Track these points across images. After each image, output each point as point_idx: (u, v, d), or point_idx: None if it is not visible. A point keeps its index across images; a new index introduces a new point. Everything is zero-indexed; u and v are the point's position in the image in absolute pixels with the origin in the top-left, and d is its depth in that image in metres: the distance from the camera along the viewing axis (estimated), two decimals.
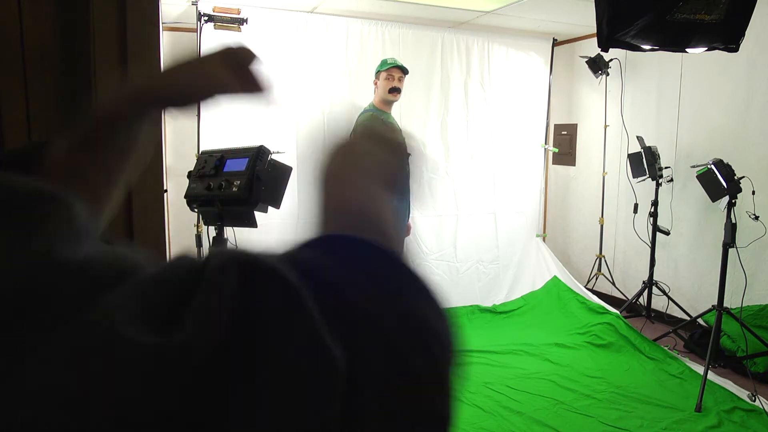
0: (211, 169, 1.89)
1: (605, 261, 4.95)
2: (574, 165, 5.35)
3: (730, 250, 3.26)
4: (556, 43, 5.03)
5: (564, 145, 5.38)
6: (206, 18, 3.78)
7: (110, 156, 0.53)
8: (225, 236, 2.00)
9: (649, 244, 4.24)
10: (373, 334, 0.25)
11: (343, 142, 0.46)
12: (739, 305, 3.34)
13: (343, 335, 0.24)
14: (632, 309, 4.37)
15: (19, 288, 0.22)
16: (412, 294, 0.28)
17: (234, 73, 0.55)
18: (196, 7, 3.78)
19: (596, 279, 4.96)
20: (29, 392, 0.20)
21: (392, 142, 0.50)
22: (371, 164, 0.45)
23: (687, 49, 2.70)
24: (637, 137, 4.20)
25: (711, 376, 3.17)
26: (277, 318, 0.23)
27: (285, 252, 0.29)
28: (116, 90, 0.55)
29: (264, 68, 0.56)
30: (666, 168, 4.22)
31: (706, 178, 3.38)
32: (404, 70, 3.50)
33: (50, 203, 0.26)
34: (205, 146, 3.65)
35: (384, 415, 0.24)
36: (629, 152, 4.35)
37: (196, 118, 3.85)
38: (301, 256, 0.29)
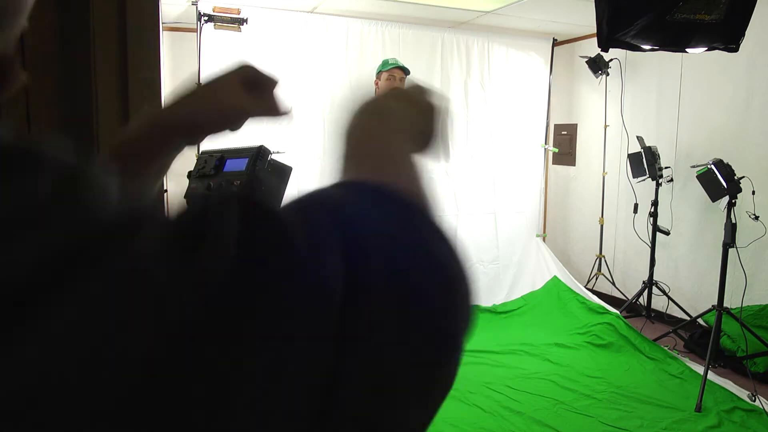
0: (211, 169, 1.89)
1: (605, 261, 4.95)
2: (574, 165, 5.35)
3: (730, 250, 3.26)
4: (556, 43, 5.02)
5: (564, 145, 5.38)
6: (206, 18, 3.78)
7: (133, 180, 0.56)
8: None
9: (649, 244, 4.24)
10: (380, 252, 0.28)
11: (368, 100, 0.46)
12: (739, 305, 3.34)
13: (345, 251, 0.27)
14: (632, 309, 4.37)
15: (72, 240, 0.24)
16: (422, 227, 0.31)
17: (253, 96, 0.55)
18: (196, 7, 3.78)
19: (596, 279, 4.96)
20: (63, 335, 0.22)
21: (422, 102, 0.50)
22: (397, 121, 0.45)
23: (687, 49, 2.70)
24: (637, 137, 4.20)
25: (711, 376, 3.16)
26: (269, 243, 0.26)
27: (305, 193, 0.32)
28: (141, 122, 0.57)
29: (279, 87, 0.57)
30: (666, 168, 4.22)
31: (706, 178, 3.38)
32: (406, 71, 3.51)
33: (87, 170, 0.28)
34: (204, 146, 3.65)
35: (390, 328, 0.26)
36: (629, 152, 4.35)
37: None
38: (314, 192, 0.32)
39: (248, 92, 0.56)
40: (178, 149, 0.59)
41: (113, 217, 0.25)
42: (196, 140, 0.59)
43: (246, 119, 0.57)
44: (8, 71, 0.39)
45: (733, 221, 3.25)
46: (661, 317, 4.25)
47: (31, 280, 0.22)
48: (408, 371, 0.27)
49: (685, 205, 4.23)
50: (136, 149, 0.56)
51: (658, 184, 4.15)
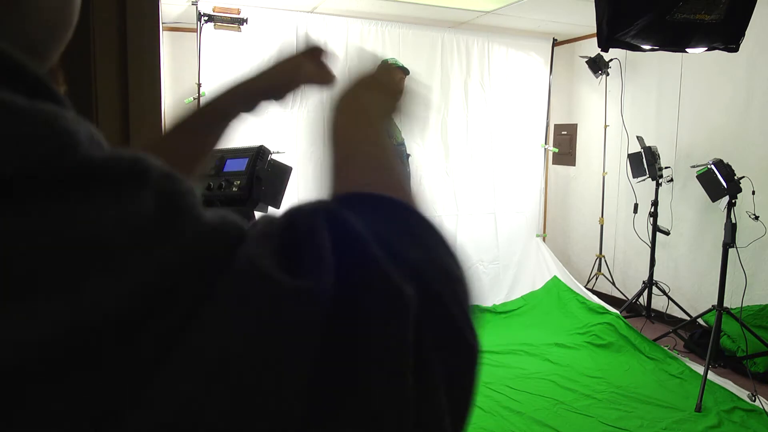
0: (211, 169, 1.89)
1: (605, 261, 4.95)
2: (574, 165, 5.35)
3: (730, 250, 3.26)
4: (556, 43, 5.02)
5: (564, 145, 5.38)
6: (206, 18, 3.78)
7: (204, 143, 0.62)
8: None
9: (649, 244, 4.24)
10: (419, 280, 0.29)
11: (344, 95, 0.48)
12: (739, 305, 3.34)
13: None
14: (632, 309, 4.37)
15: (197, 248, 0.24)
16: (436, 244, 0.32)
17: (315, 66, 0.65)
18: (196, 7, 3.77)
19: (596, 279, 4.96)
20: (215, 338, 0.22)
21: (392, 87, 0.52)
22: (375, 114, 0.47)
23: (687, 49, 2.70)
24: (637, 137, 4.20)
25: (711, 376, 3.16)
26: (362, 263, 0.27)
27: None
28: (226, 87, 0.63)
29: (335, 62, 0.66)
30: (666, 168, 4.22)
31: (706, 178, 3.38)
32: (405, 71, 3.50)
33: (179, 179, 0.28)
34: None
35: (436, 348, 0.28)
36: (629, 152, 4.35)
37: None
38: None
39: (313, 64, 0.65)
40: (235, 117, 0.65)
41: (214, 232, 0.25)
42: (254, 108, 0.65)
43: (307, 83, 0.66)
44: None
45: (733, 221, 3.25)
46: (661, 317, 4.25)
47: (163, 295, 0.22)
48: (447, 381, 0.29)
49: (685, 205, 4.23)
50: (202, 119, 0.62)
51: (658, 184, 4.15)
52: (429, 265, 0.29)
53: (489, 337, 3.95)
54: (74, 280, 0.21)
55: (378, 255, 0.27)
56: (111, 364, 0.21)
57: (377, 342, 0.25)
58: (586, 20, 4.01)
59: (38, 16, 0.34)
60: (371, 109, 0.47)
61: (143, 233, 0.23)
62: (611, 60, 4.60)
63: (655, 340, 3.76)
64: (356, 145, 0.42)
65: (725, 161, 3.33)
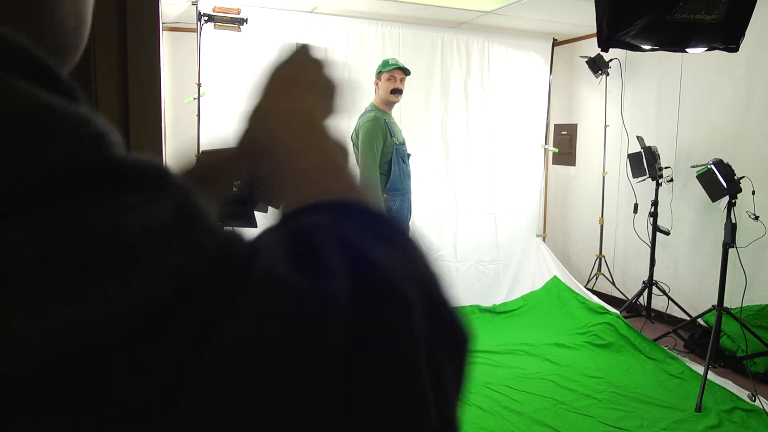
0: None
1: (605, 261, 4.95)
2: (574, 165, 5.35)
3: (730, 250, 3.26)
4: (556, 43, 5.02)
5: (564, 145, 5.38)
6: (206, 18, 3.78)
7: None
8: None
9: (649, 244, 4.24)
10: (415, 285, 0.29)
11: (272, 101, 0.43)
12: (739, 305, 3.34)
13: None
14: (632, 309, 4.37)
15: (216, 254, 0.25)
16: (409, 246, 0.33)
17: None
18: (196, 7, 3.77)
19: (596, 279, 4.96)
20: (238, 347, 0.22)
21: (324, 82, 0.47)
22: (314, 115, 0.43)
23: (687, 49, 2.70)
24: (637, 137, 4.20)
25: (711, 376, 3.16)
26: (368, 273, 0.27)
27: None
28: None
29: None
30: (666, 168, 4.22)
31: (706, 178, 3.38)
32: (406, 71, 3.50)
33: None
34: (205, 146, 3.65)
35: (442, 348, 0.28)
36: (629, 152, 4.35)
37: (197, 118, 3.85)
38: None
39: None
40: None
41: (230, 242, 0.26)
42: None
43: None
44: None
45: (733, 221, 3.25)
46: (661, 317, 4.25)
47: (173, 306, 0.22)
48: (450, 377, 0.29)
49: (685, 205, 4.23)
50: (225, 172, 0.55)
51: (658, 184, 4.15)
52: (412, 268, 0.30)
53: (489, 337, 3.95)
54: (108, 274, 0.21)
55: (379, 262, 0.28)
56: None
57: (392, 346, 0.26)
58: (586, 20, 4.01)
59: (55, 36, 0.35)
60: (309, 110, 0.43)
61: (168, 236, 0.23)
62: (611, 60, 4.60)
63: (655, 340, 3.76)
64: (303, 155, 0.39)
65: (725, 161, 3.33)
